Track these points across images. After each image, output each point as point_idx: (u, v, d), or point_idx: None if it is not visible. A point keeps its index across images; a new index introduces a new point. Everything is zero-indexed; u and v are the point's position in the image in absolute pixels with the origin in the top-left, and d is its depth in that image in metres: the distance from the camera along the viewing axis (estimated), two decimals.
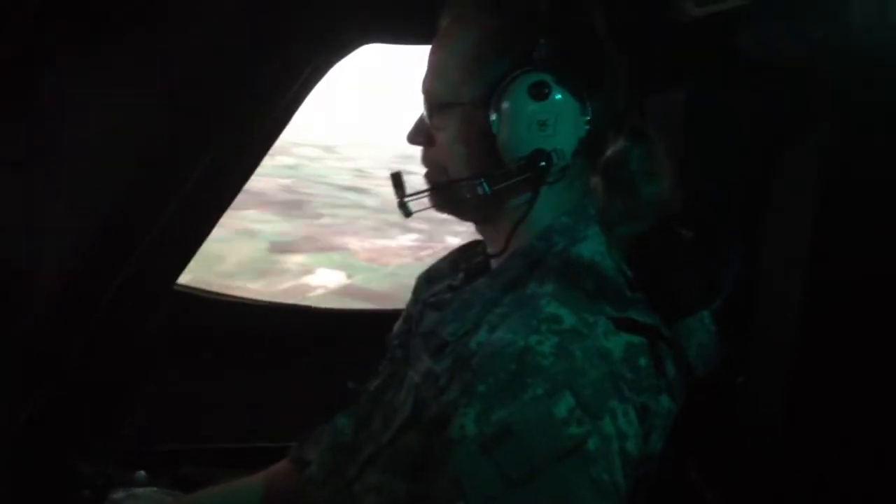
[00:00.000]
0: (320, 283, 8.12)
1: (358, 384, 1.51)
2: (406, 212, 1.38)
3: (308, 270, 8.32)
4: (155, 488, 1.57)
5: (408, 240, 8.06)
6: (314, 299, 7.59)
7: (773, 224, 1.43)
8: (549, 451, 1.12)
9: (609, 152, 1.38)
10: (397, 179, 1.39)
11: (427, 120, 1.36)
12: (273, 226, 9.47)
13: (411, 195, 1.38)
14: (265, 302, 2.45)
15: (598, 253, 1.31)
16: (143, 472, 1.62)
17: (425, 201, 1.39)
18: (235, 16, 1.53)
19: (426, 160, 1.39)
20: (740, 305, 1.37)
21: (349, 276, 8.23)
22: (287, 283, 7.93)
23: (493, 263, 1.39)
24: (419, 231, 8.98)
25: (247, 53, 1.54)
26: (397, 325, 1.53)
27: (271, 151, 1.85)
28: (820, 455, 1.34)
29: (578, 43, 1.28)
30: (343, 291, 7.89)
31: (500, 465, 1.13)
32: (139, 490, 1.54)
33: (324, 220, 9.92)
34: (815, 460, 1.34)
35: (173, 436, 2.04)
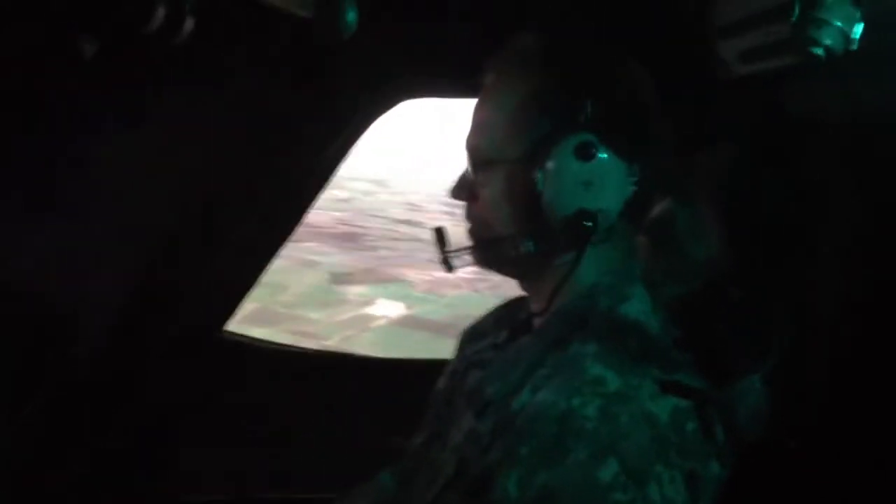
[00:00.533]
0: (381, 313, 8.17)
1: (401, 440, 1.49)
2: (448, 267, 1.37)
3: (368, 301, 8.37)
4: None
5: (464, 271, 8.05)
6: (376, 330, 7.64)
7: (824, 283, 1.40)
8: None
9: (655, 212, 1.36)
10: (440, 235, 1.39)
11: (471, 176, 1.35)
12: (331, 258, 9.57)
13: (454, 251, 1.37)
14: (308, 350, 2.45)
15: (642, 313, 1.29)
16: None
17: (468, 257, 1.38)
18: (282, 69, 1.54)
19: (469, 215, 1.38)
20: (792, 368, 1.33)
21: (408, 307, 8.25)
22: (348, 314, 7.98)
23: (537, 322, 1.37)
24: None
25: (293, 106, 1.55)
26: (441, 381, 1.52)
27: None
28: None
29: (624, 103, 1.26)
30: (403, 322, 7.91)
31: None
32: None
33: (381, 253, 10.00)
34: None
35: (216, 485, 2.04)
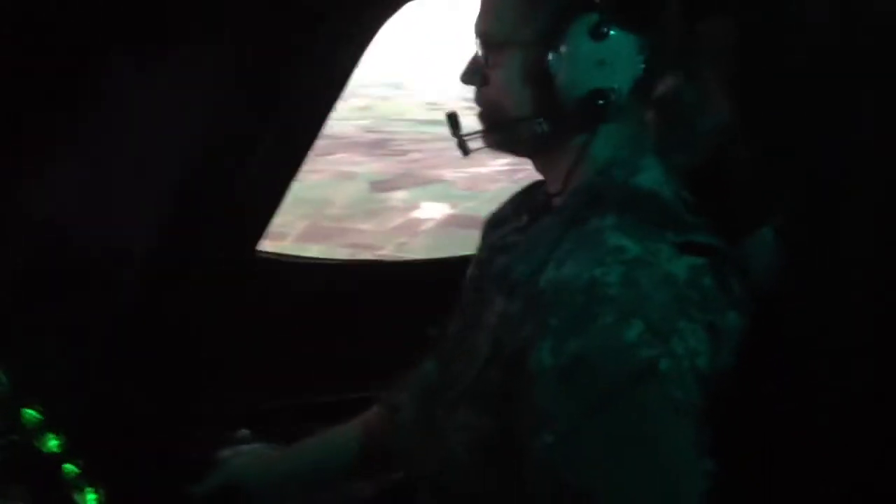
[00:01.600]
0: (427, 216, 8.20)
1: (438, 330, 1.57)
2: (464, 150, 1.42)
3: (412, 206, 8.41)
4: (258, 444, 1.67)
5: (500, 164, 8.04)
6: (426, 232, 7.69)
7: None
8: (623, 376, 1.18)
9: (661, 89, 1.39)
10: (453, 119, 1.42)
11: (482, 60, 1.38)
12: (366, 167, 9.57)
13: (469, 134, 1.40)
14: (341, 260, 2.52)
15: (656, 182, 1.34)
16: (245, 430, 1.71)
17: (482, 141, 1.41)
18: None
19: (480, 99, 1.41)
20: (802, 220, 1.37)
21: (453, 206, 8.28)
22: (396, 220, 8.03)
23: (556, 202, 1.42)
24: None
25: (299, 21, 1.58)
26: (469, 271, 1.58)
27: (343, 95, 1.90)
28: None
29: None
30: (452, 221, 7.94)
31: (579, 393, 1.19)
32: (244, 447, 1.64)
33: (413, 156, 9.96)
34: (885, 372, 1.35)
35: (269, 395, 2.15)
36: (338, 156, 9.59)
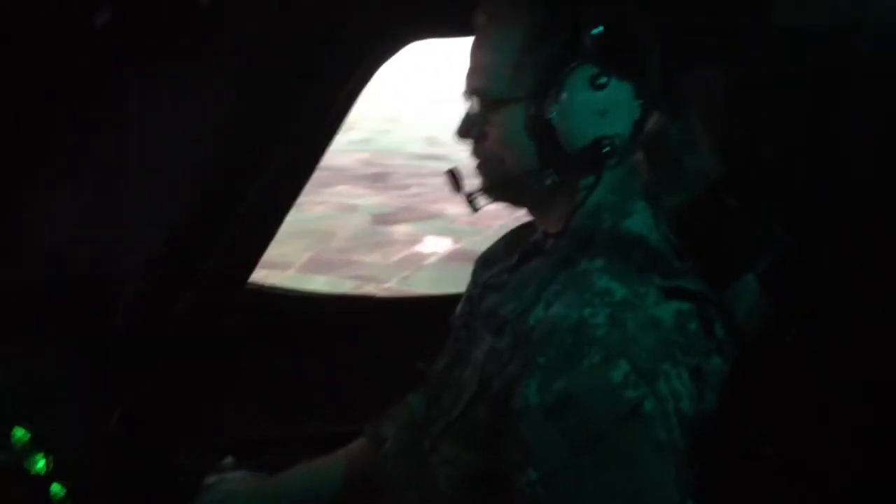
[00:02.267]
0: (430, 250, 8.20)
1: (426, 365, 1.59)
2: (474, 207, 1.43)
3: (415, 239, 8.40)
4: (243, 472, 1.67)
5: None
6: (430, 267, 7.69)
7: (827, 187, 1.44)
8: (609, 416, 1.20)
9: (648, 127, 1.42)
10: (454, 176, 1.43)
11: (476, 115, 1.39)
12: (367, 199, 9.57)
13: (475, 192, 1.42)
14: (332, 294, 2.55)
15: (645, 226, 1.36)
16: (230, 458, 1.72)
17: (486, 196, 1.43)
18: (289, 19, 1.60)
19: (479, 153, 1.42)
20: (787, 268, 1.39)
21: (456, 241, 8.28)
22: (400, 254, 8.02)
23: (548, 243, 1.44)
24: None
25: (302, 54, 1.61)
26: (459, 308, 1.61)
27: (343, 127, 1.91)
28: (880, 409, 1.36)
29: (620, 29, 1.31)
30: (456, 256, 7.93)
31: (565, 431, 1.20)
32: (228, 474, 1.65)
33: (413, 190, 9.96)
34: (874, 416, 1.37)
35: (254, 425, 2.16)
36: (339, 188, 9.60)
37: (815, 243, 1.39)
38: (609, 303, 1.25)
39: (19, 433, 1.33)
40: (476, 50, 1.38)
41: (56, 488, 1.30)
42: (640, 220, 1.37)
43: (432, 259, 7.98)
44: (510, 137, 1.36)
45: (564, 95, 1.29)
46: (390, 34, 1.70)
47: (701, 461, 1.27)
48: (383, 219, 9.02)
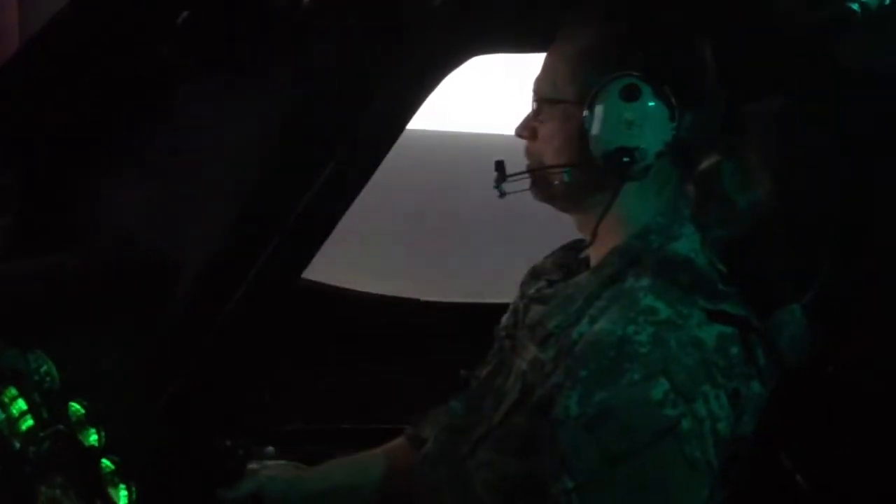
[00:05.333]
0: None
1: (469, 372, 1.62)
2: (501, 193, 1.48)
3: None
4: (283, 461, 1.71)
5: None
6: None
7: (878, 225, 1.47)
8: (646, 431, 1.23)
9: (703, 165, 1.46)
10: (500, 166, 1.49)
11: (531, 115, 1.48)
12: None
13: (510, 176, 1.48)
14: (379, 295, 2.59)
15: (692, 250, 1.40)
16: (271, 448, 1.75)
17: (523, 184, 1.49)
18: (352, 37, 1.64)
19: (528, 153, 1.49)
20: (833, 301, 1.41)
21: None
22: None
23: (593, 261, 1.48)
24: None
25: (364, 69, 1.65)
26: (505, 318, 1.64)
27: None
28: None
29: (675, 59, 1.36)
30: None
31: (602, 442, 1.24)
32: (269, 462, 1.68)
33: None
34: None
35: (298, 417, 2.21)
36: None
37: (862, 280, 1.41)
38: (653, 321, 1.29)
39: (75, 406, 1.37)
40: (548, 55, 1.46)
41: (106, 462, 1.34)
42: (687, 244, 1.40)
43: None
44: (551, 136, 1.43)
45: (598, 102, 1.34)
46: (455, 48, 1.74)
47: (735, 484, 1.30)
48: None
